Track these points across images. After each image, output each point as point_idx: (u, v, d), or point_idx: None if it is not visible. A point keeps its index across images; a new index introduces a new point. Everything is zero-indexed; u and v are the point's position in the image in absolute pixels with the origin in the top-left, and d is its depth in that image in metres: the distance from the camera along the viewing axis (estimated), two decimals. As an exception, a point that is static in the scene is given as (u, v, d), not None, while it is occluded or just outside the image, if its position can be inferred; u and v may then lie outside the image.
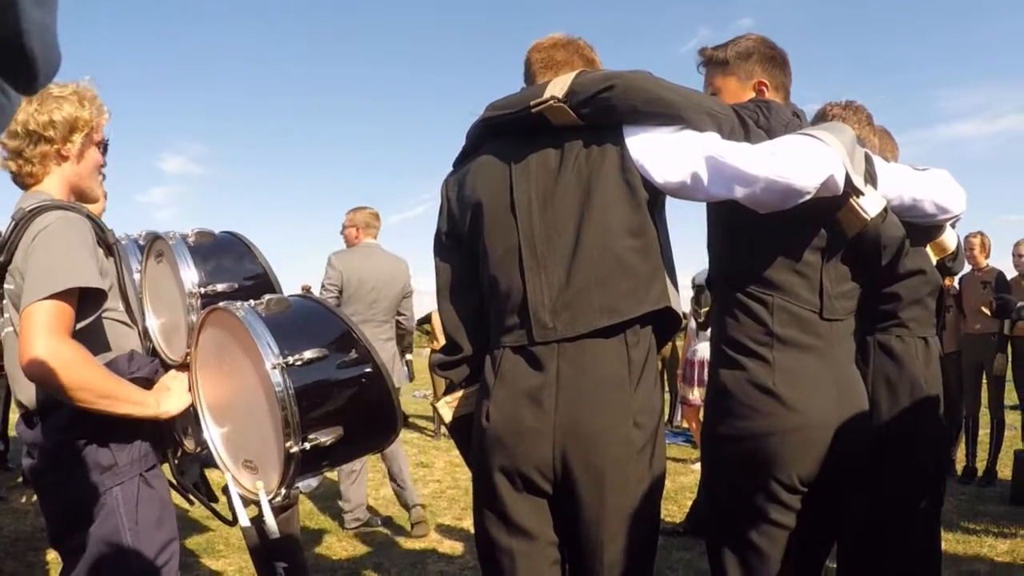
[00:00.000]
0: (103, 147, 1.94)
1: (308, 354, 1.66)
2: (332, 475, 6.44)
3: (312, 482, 1.86)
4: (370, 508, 5.10)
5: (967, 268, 5.95)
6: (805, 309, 1.78)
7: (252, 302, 1.76)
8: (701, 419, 7.21)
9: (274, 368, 1.62)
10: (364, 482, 4.97)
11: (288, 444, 1.61)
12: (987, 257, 6.09)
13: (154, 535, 1.80)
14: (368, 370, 1.77)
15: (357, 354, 1.77)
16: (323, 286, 4.85)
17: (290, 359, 1.63)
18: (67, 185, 1.87)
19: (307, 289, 9.03)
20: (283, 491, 1.69)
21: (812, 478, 1.75)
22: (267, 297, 1.79)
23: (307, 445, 1.62)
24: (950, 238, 2.68)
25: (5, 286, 1.79)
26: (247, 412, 1.76)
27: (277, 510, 1.72)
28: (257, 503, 1.72)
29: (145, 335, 2.00)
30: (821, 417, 1.75)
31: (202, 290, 1.90)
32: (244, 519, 1.74)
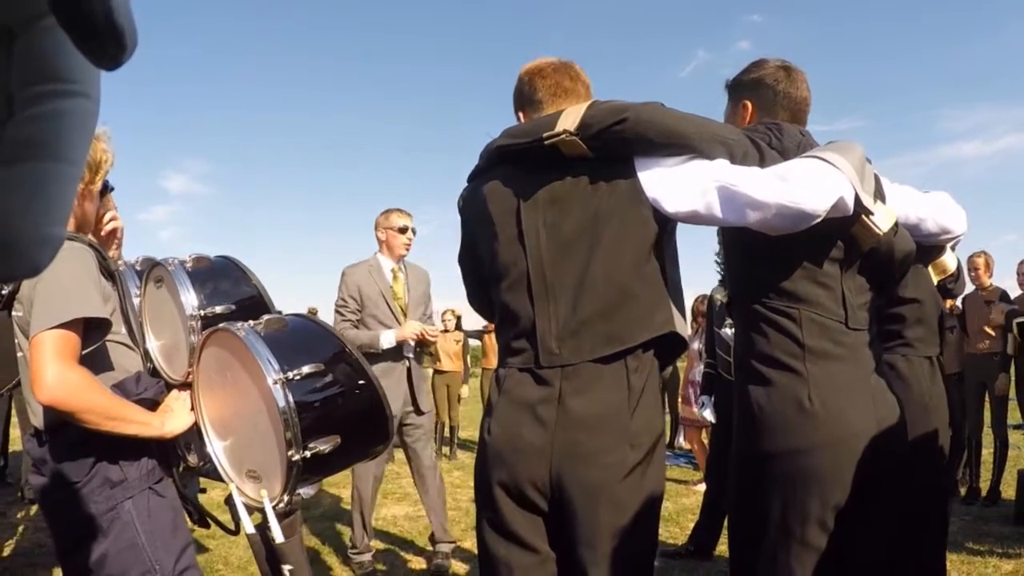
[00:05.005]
0: (105, 186, 2.01)
1: (306, 369, 1.75)
2: (330, 493, 6.43)
3: (310, 490, 1.98)
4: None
5: (971, 288, 5.95)
6: (831, 320, 1.80)
7: (251, 322, 1.84)
8: (704, 440, 7.20)
9: (275, 383, 1.69)
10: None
11: (290, 453, 1.68)
12: (991, 276, 6.10)
13: (171, 541, 1.85)
14: (361, 382, 1.85)
15: (351, 367, 1.85)
16: None
17: (290, 374, 1.71)
18: (75, 219, 1.92)
19: (314, 312, 8.87)
20: (286, 497, 1.76)
21: (851, 491, 1.74)
22: (265, 317, 1.86)
23: (308, 453, 1.70)
24: (950, 260, 2.70)
25: (14, 313, 1.85)
26: (250, 425, 1.82)
27: (281, 516, 1.79)
28: (261, 510, 1.79)
29: (146, 356, 2.07)
30: (861, 427, 1.75)
31: (202, 312, 1.99)
32: (250, 526, 1.81)
